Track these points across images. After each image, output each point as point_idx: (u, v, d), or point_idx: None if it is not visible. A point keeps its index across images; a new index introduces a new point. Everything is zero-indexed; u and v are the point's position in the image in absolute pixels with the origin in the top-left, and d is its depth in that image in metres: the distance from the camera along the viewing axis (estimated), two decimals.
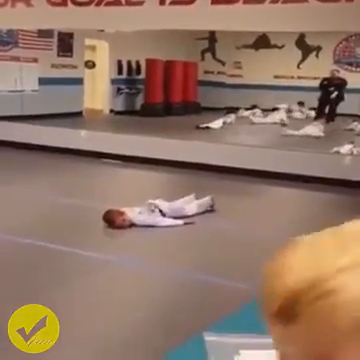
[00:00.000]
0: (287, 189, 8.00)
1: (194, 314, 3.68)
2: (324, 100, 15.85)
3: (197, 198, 6.24)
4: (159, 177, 8.84)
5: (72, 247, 4.98)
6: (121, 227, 5.47)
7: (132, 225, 5.57)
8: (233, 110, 16.71)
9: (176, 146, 9.42)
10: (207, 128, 13.34)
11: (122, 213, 5.53)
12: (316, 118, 15.38)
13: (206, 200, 6.21)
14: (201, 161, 8.85)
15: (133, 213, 5.62)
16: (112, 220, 5.48)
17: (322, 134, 12.66)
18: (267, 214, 6.50)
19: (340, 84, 15.74)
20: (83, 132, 10.52)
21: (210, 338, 0.97)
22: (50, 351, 2.75)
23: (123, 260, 4.77)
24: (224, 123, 14.39)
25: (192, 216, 5.96)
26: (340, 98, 15.65)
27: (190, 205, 6.07)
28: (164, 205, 5.84)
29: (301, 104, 18.17)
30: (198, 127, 13.29)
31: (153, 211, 5.73)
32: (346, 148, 9.46)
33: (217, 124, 13.92)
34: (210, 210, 6.20)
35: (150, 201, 5.84)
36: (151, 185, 8.27)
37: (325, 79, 16.00)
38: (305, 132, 12.62)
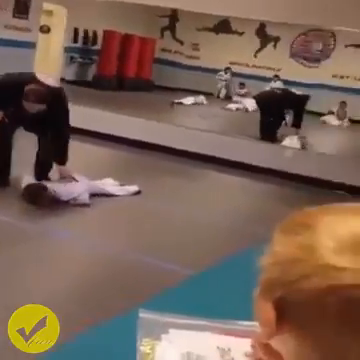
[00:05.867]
0: (232, 176, 8.02)
1: (122, 292, 3.65)
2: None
3: (122, 183, 6.03)
4: (107, 153, 8.69)
5: (5, 216, 4.84)
6: (48, 204, 5.14)
7: (53, 199, 5.24)
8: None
9: (128, 123, 9.28)
10: (180, 103, 14.40)
11: (45, 188, 5.18)
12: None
13: (132, 188, 5.97)
14: (152, 141, 8.75)
15: (53, 185, 5.31)
16: (38, 197, 5.10)
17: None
18: (208, 199, 6.50)
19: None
20: None
21: (144, 315, 0.97)
22: None
23: (54, 233, 4.68)
24: (194, 103, 15.24)
25: (112, 195, 5.76)
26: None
27: (111, 187, 5.84)
28: (82, 179, 5.58)
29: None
30: (173, 103, 13.97)
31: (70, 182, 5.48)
32: (290, 141, 9.52)
33: (189, 101, 15.08)
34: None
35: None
36: (96, 160, 8.11)
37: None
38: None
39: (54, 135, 5.44)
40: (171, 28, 20.14)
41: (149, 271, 4.13)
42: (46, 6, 15.50)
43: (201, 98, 16.07)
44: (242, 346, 0.85)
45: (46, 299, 3.46)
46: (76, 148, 8.60)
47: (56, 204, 5.24)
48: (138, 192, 5.93)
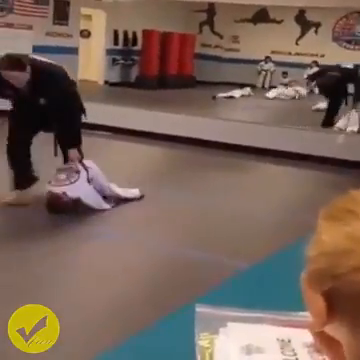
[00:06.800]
0: (282, 167, 7.94)
1: (177, 288, 3.67)
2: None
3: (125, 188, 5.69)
4: (151, 151, 8.75)
5: (53, 220, 4.92)
6: (65, 208, 4.99)
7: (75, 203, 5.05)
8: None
9: (171, 120, 9.32)
10: (231, 97, 14.72)
11: (60, 197, 4.99)
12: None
13: (134, 191, 5.66)
14: (195, 136, 8.76)
15: (66, 187, 5.05)
16: (56, 206, 4.97)
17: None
18: (259, 191, 6.45)
19: None
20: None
21: (200, 309, 0.94)
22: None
23: (103, 233, 4.73)
24: (241, 95, 15.38)
25: (119, 198, 5.46)
26: None
27: (117, 188, 5.55)
28: (91, 165, 5.29)
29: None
30: (214, 97, 14.14)
31: (77, 172, 5.14)
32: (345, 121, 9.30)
33: (236, 94, 15.19)
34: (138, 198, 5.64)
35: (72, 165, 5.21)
36: (143, 158, 8.19)
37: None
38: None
39: (57, 116, 5.07)
40: (209, 22, 20.08)
41: (203, 266, 4.13)
42: (85, 11, 15.72)
43: (247, 90, 16.01)
44: (303, 337, 0.85)
45: (102, 300, 3.51)
46: (123, 148, 8.74)
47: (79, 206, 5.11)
48: (142, 196, 5.64)
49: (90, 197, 5.17)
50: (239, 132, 8.74)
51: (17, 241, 4.46)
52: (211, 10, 19.64)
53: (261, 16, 19.59)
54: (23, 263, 3.99)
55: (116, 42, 16.92)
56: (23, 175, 5.34)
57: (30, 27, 13.98)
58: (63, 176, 5.15)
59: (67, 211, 4.99)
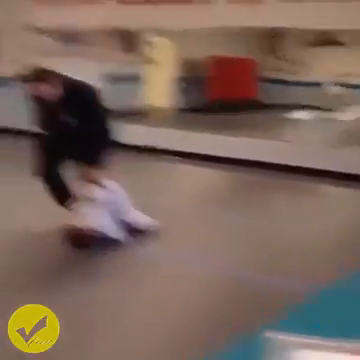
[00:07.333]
0: (344, 189, 7.82)
1: (243, 313, 3.64)
2: None
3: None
4: (215, 174, 8.81)
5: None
6: (89, 243, 4.84)
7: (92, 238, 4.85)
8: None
9: (235, 143, 9.37)
10: (295, 120, 14.86)
11: (82, 229, 4.82)
12: None
13: (149, 221, 5.35)
14: (258, 159, 8.76)
15: (88, 221, 4.83)
16: (81, 239, 4.78)
17: None
18: (320, 213, 6.38)
19: None
20: (143, 128, 10.61)
21: (271, 336, 1.03)
22: (104, 345, 2.73)
23: (163, 255, 4.75)
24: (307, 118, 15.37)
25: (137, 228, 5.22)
26: None
27: (138, 216, 5.30)
28: (112, 187, 5.06)
29: None
30: (285, 120, 14.72)
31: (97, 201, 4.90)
32: None
33: (302, 116, 15.34)
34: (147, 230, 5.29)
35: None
36: (206, 182, 8.25)
37: None
38: None
39: (86, 130, 4.86)
40: (275, 46, 20.09)
41: (266, 290, 4.08)
42: (152, 39, 16.09)
43: (314, 113, 15.93)
44: None
45: (168, 322, 3.54)
46: (188, 171, 8.84)
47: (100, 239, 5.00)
48: (155, 227, 5.34)
49: (109, 227, 4.92)
50: (300, 154, 8.70)
51: (65, 269, 4.58)
52: (277, 34, 19.64)
53: (327, 39, 19.42)
54: (75, 289, 4.03)
55: (183, 69, 17.17)
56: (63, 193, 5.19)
57: (99, 56, 14.44)
58: (83, 209, 4.89)
59: (91, 245, 4.83)
